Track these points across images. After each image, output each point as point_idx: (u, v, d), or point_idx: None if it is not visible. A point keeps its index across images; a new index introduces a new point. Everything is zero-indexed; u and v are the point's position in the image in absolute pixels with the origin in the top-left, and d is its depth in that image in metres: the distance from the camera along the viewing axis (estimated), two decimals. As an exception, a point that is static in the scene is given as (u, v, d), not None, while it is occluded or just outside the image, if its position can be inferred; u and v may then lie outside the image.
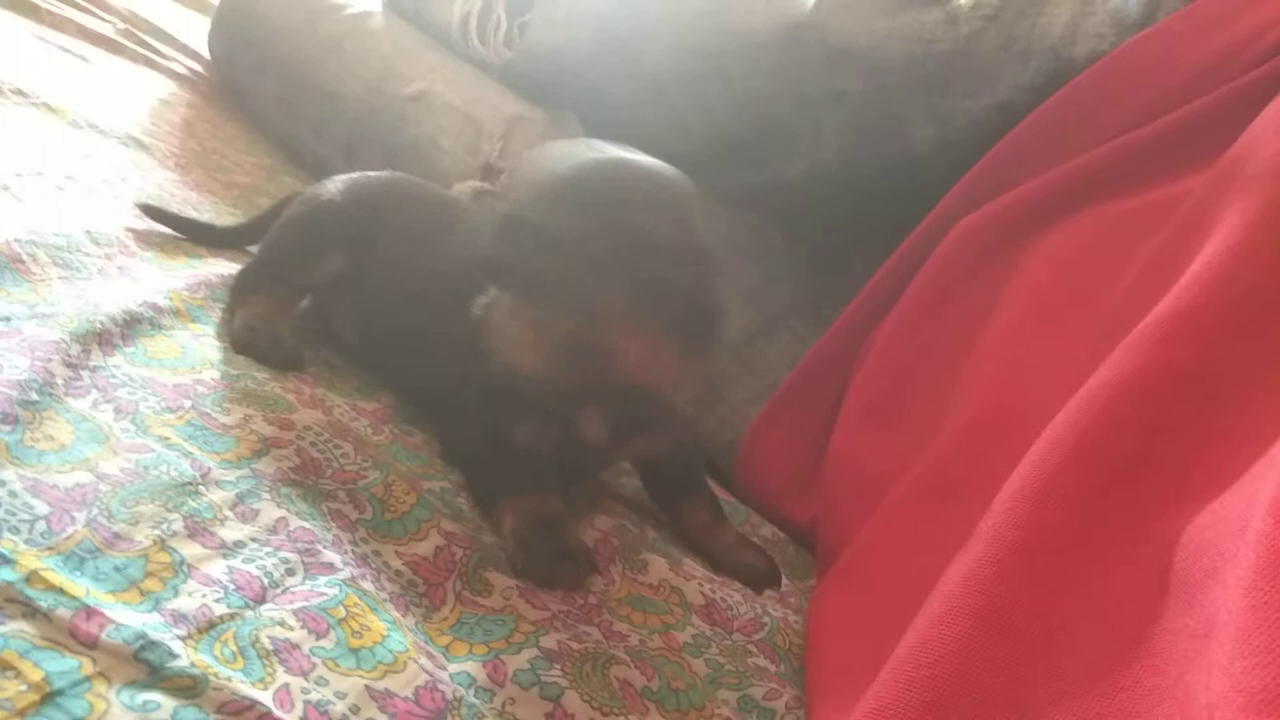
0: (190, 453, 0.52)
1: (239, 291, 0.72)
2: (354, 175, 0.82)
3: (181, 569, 0.44)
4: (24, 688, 0.36)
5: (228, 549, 0.47)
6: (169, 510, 0.47)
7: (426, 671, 0.45)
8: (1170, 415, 0.49)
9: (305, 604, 0.46)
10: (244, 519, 0.50)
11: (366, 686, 0.43)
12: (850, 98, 0.93)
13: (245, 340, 0.67)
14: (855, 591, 0.63)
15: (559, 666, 0.49)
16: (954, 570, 0.52)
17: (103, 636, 0.39)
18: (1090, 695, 0.43)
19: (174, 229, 0.82)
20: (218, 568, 0.45)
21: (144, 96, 1.11)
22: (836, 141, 0.95)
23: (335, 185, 0.79)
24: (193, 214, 0.86)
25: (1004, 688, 0.46)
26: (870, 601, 0.60)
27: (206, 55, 1.34)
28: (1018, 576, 0.49)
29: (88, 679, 0.37)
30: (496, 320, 0.56)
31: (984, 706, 0.45)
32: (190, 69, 1.29)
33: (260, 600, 0.45)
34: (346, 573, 0.49)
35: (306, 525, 0.51)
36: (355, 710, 0.41)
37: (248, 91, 1.25)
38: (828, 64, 0.93)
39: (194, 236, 0.83)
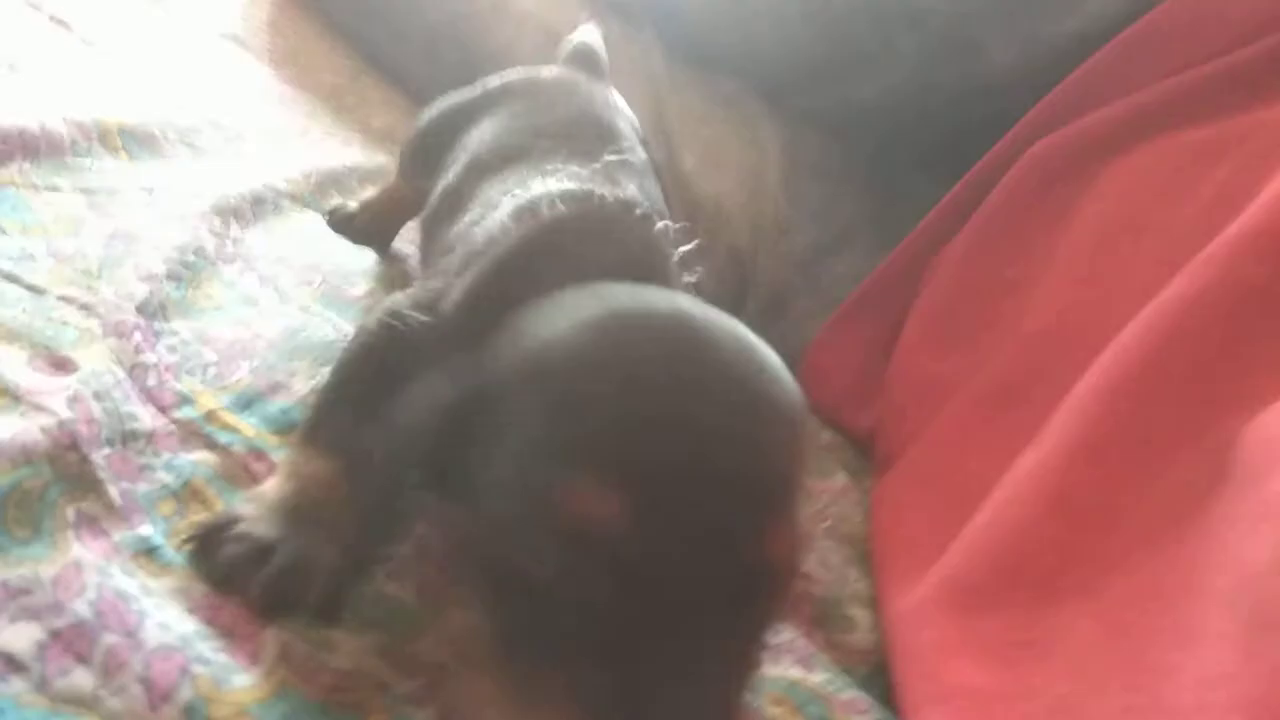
0: (330, 318, 0.56)
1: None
2: None
3: (338, 414, 0.49)
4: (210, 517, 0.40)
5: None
6: (320, 365, 0.51)
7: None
8: (1240, 326, 0.51)
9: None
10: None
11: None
12: (930, 19, 0.94)
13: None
14: (921, 485, 0.67)
15: None
16: (1023, 461, 0.55)
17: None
18: (1143, 557, 0.46)
19: None
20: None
21: (230, -6, 1.13)
22: (913, 65, 0.97)
23: None
24: (288, 109, 0.89)
25: (1064, 554, 0.50)
26: (935, 494, 0.64)
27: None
28: (1084, 466, 0.52)
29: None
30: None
31: (1044, 570, 0.50)
32: (267, -31, 1.30)
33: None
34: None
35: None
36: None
37: (325, -6, 1.26)
38: (908, -15, 0.95)
39: None
